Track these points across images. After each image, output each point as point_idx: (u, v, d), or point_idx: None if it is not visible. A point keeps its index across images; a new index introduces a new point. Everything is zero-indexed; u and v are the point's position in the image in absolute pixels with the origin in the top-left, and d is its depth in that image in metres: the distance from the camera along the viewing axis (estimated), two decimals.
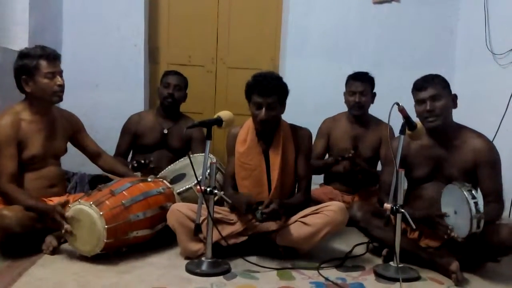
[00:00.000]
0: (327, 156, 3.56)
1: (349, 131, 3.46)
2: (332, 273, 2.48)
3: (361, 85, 3.39)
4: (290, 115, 2.78)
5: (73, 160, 3.15)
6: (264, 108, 2.56)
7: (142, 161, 3.13)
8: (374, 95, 3.47)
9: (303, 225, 2.57)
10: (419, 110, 2.60)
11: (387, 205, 2.37)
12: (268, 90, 2.56)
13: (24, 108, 2.62)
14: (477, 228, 2.23)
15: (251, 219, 2.61)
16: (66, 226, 2.40)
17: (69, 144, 2.90)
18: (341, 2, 4.40)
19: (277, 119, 2.67)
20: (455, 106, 2.63)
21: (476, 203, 2.22)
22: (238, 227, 2.62)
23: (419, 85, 2.59)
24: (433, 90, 2.55)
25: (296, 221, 2.61)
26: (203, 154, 2.62)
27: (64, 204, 2.48)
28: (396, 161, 2.40)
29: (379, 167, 3.49)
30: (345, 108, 3.54)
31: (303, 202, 2.72)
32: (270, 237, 2.64)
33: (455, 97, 2.63)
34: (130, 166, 3.15)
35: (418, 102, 2.60)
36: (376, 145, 3.45)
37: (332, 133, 3.49)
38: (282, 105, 2.66)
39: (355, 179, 3.39)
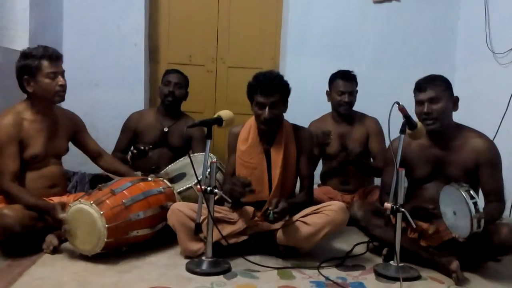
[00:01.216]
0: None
1: (336, 130, 3.47)
2: (333, 273, 2.48)
3: (350, 85, 3.43)
4: (290, 113, 2.78)
5: (74, 159, 3.16)
6: (267, 108, 2.57)
7: (142, 148, 3.13)
8: (357, 91, 3.49)
9: (304, 224, 2.57)
10: (417, 111, 2.60)
11: (388, 205, 2.37)
12: (271, 89, 2.56)
13: (26, 108, 2.63)
14: (478, 228, 2.23)
15: (252, 218, 2.62)
16: (65, 226, 2.40)
17: (70, 144, 2.90)
18: (341, 1, 4.40)
19: (280, 118, 2.67)
20: (455, 108, 2.62)
21: (475, 203, 2.22)
22: (238, 226, 2.62)
23: (420, 86, 2.59)
24: (432, 92, 2.54)
25: (296, 220, 2.61)
26: (203, 153, 2.63)
27: (64, 205, 2.47)
28: (396, 161, 2.40)
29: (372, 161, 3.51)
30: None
31: (307, 201, 2.72)
32: (270, 236, 2.64)
33: (456, 99, 2.62)
34: (129, 156, 3.14)
35: (417, 103, 2.60)
36: (363, 140, 3.47)
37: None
38: (284, 104, 2.67)
39: (349, 171, 3.42)
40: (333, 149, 3.46)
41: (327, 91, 3.53)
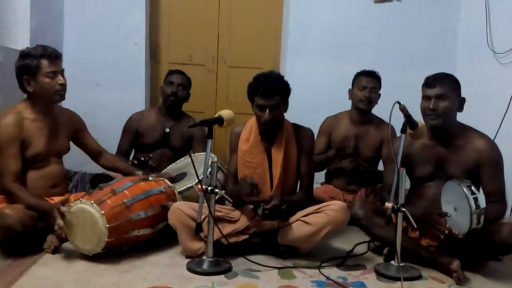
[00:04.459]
0: None
1: (351, 130, 3.45)
2: (333, 272, 2.48)
3: (372, 81, 3.42)
4: (291, 113, 2.79)
5: (75, 159, 3.15)
6: (267, 110, 2.57)
7: (142, 158, 3.14)
8: (379, 95, 3.48)
9: (305, 224, 2.57)
10: (423, 106, 2.60)
11: (389, 204, 2.37)
12: (271, 91, 2.55)
13: (26, 107, 2.63)
14: (478, 224, 2.24)
15: (253, 217, 2.62)
16: (59, 221, 2.37)
17: (71, 144, 2.90)
18: (342, 1, 4.40)
19: (281, 118, 2.67)
20: (460, 109, 2.62)
21: (475, 199, 2.22)
22: (239, 225, 2.63)
23: (429, 82, 2.59)
24: (441, 89, 2.54)
25: (297, 220, 2.61)
26: (204, 153, 2.63)
27: (64, 202, 2.47)
28: (397, 160, 2.40)
29: (380, 166, 3.49)
30: (345, 107, 3.54)
31: (305, 200, 2.72)
32: (271, 236, 2.64)
33: (463, 100, 2.62)
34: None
35: (424, 98, 2.60)
36: (377, 145, 3.44)
37: (334, 131, 3.49)
38: (285, 104, 2.66)
39: (358, 175, 3.40)
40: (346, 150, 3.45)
41: (349, 89, 3.50)
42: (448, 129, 2.60)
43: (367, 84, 3.39)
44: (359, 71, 3.50)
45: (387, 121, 2.46)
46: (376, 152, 3.45)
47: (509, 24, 3.72)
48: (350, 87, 3.49)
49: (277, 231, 2.63)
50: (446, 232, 2.37)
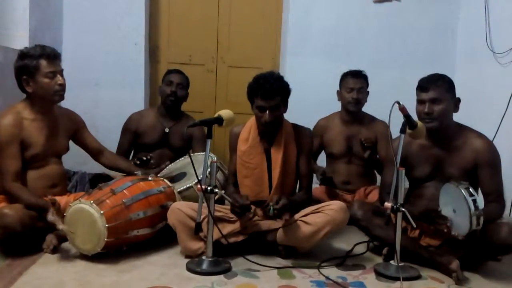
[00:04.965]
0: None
1: (343, 131, 3.47)
2: (333, 272, 2.48)
3: (359, 81, 3.43)
4: (290, 113, 2.79)
5: (74, 159, 3.15)
6: (267, 111, 2.57)
7: (144, 158, 3.14)
8: (368, 93, 3.49)
9: (304, 224, 2.57)
10: (418, 109, 2.60)
11: (388, 204, 2.37)
12: (271, 93, 2.56)
13: (25, 107, 2.62)
14: (477, 225, 2.24)
15: (252, 218, 2.62)
16: (62, 226, 2.39)
17: (71, 143, 2.89)
18: (341, 1, 4.40)
19: (280, 119, 2.68)
20: (456, 110, 2.62)
21: (474, 200, 2.23)
22: (238, 225, 2.62)
23: (423, 85, 2.58)
24: (435, 93, 2.54)
25: (297, 220, 2.61)
26: (203, 153, 2.64)
27: (54, 201, 2.45)
28: (396, 160, 2.40)
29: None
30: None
31: (305, 200, 2.73)
32: (271, 235, 2.64)
33: (458, 101, 2.62)
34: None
35: (419, 102, 2.60)
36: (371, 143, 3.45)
37: (326, 133, 3.50)
38: (285, 105, 2.67)
39: (352, 171, 3.45)
40: (339, 150, 3.45)
41: (337, 91, 3.52)
42: (445, 130, 2.59)
43: (354, 85, 3.40)
44: (345, 71, 3.51)
45: (385, 120, 2.46)
46: (370, 150, 3.45)
47: (509, 24, 3.72)
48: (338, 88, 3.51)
49: (276, 231, 2.63)
50: (445, 230, 2.38)
